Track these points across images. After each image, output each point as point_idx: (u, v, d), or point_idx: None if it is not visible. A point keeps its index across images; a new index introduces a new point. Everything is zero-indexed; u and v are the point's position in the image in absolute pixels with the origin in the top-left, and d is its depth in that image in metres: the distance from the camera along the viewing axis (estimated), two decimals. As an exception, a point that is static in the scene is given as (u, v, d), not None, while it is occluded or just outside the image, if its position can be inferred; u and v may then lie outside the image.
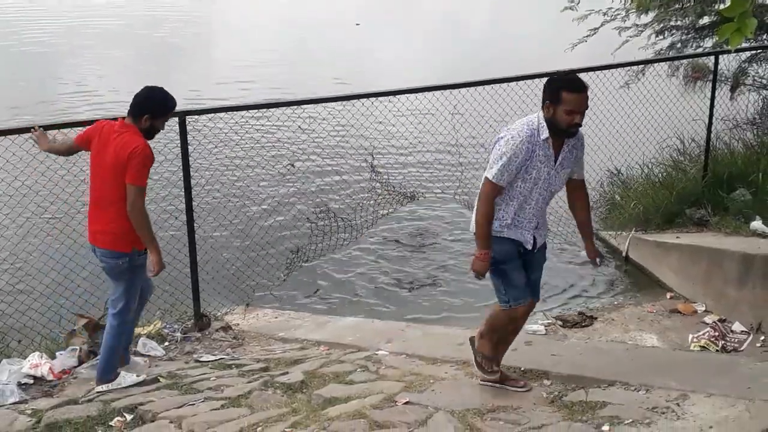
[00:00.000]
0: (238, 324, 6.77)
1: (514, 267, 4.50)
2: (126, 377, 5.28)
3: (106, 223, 5.04)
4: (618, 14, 10.19)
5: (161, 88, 5.18)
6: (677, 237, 7.75)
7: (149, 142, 5.08)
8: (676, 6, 9.79)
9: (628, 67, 9.47)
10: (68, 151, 5.51)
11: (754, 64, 10.12)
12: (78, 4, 36.00)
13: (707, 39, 10.12)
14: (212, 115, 7.75)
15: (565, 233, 8.66)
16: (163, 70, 20.88)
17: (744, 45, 8.58)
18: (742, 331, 6.21)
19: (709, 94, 8.50)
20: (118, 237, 5.01)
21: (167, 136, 6.87)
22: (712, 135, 8.59)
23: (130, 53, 24.29)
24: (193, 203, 6.44)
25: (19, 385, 5.32)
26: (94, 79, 19.56)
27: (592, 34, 10.04)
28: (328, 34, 28.43)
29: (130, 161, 4.88)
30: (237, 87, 17.09)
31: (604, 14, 10.24)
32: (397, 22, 33.17)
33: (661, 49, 10.34)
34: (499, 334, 4.68)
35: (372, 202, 8.17)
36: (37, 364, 5.54)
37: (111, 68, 21.22)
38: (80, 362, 5.70)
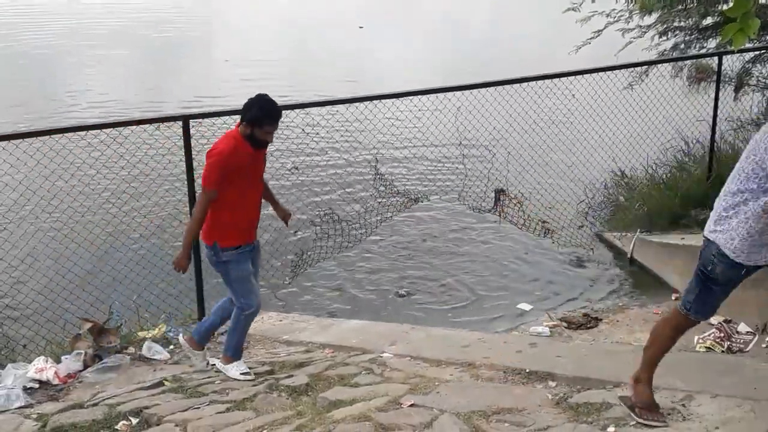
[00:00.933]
0: (243, 327, 6.76)
1: (724, 291, 4.01)
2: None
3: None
4: (621, 15, 10.18)
5: (267, 98, 5.13)
6: (682, 238, 7.73)
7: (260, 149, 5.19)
8: (680, 7, 9.77)
9: (632, 69, 9.47)
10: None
11: (758, 65, 10.10)
12: (82, 5, 36.09)
13: (711, 40, 10.10)
14: (216, 118, 7.75)
15: (570, 234, 8.67)
16: (164, 70, 20.96)
17: (748, 45, 8.56)
18: (748, 332, 6.19)
19: (712, 95, 8.49)
20: (205, 231, 5.22)
21: (171, 140, 6.90)
22: (716, 136, 8.58)
23: (130, 54, 24.35)
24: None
25: (25, 389, 5.33)
26: (94, 79, 19.61)
27: (596, 36, 10.04)
28: (332, 36, 28.47)
29: (206, 162, 5.05)
30: (239, 89, 17.10)
31: (608, 16, 10.23)
32: (399, 23, 33.19)
33: (665, 50, 10.32)
34: (658, 354, 4.16)
35: (376, 205, 8.16)
36: (42, 368, 5.55)
37: (110, 68, 21.27)
38: (85, 366, 5.71)
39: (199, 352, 5.67)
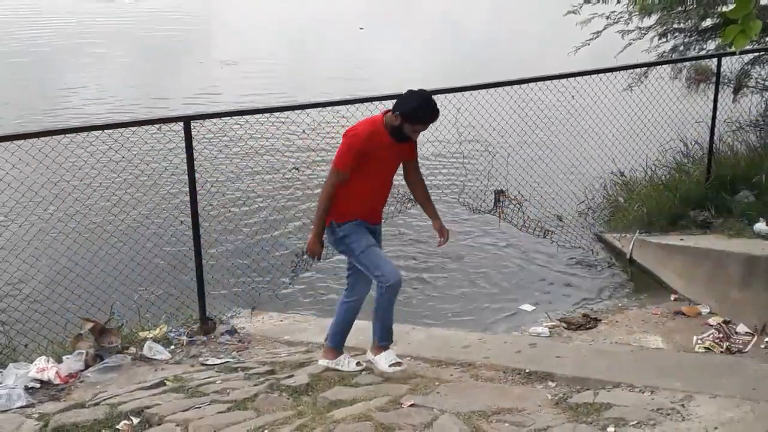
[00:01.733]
0: (244, 327, 6.79)
1: None
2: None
3: None
4: (621, 17, 10.20)
5: (429, 98, 4.97)
6: (681, 239, 7.75)
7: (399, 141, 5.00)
8: (679, 9, 9.79)
9: (631, 70, 9.49)
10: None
11: (757, 66, 10.12)
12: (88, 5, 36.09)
13: (710, 41, 10.12)
14: (217, 119, 7.78)
15: (570, 235, 8.69)
16: (163, 71, 20.96)
17: (747, 47, 8.60)
18: (747, 333, 6.22)
19: (712, 97, 8.51)
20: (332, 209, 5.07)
21: (172, 140, 6.92)
22: (715, 137, 8.60)
23: (129, 53, 24.36)
24: (198, 207, 6.46)
25: (26, 389, 5.34)
26: (94, 78, 19.63)
27: (595, 38, 10.06)
28: (332, 36, 28.47)
29: (342, 141, 4.97)
30: (239, 90, 17.14)
31: (607, 18, 10.25)
32: (399, 23, 33.18)
33: (664, 52, 10.35)
34: None
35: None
36: (43, 368, 5.56)
37: (110, 68, 21.30)
38: (87, 366, 5.73)
39: (342, 357, 5.41)
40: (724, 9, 9.15)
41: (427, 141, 11.31)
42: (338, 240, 5.11)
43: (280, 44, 26.84)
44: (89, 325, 6.02)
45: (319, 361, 5.42)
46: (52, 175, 6.60)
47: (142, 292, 6.90)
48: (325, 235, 5.14)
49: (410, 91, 5.01)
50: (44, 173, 6.72)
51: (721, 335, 6.15)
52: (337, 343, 5.40)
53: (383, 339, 5.31)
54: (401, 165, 5.25)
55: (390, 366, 5.19)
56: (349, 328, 5.43)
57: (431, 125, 5.10)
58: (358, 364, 5.34)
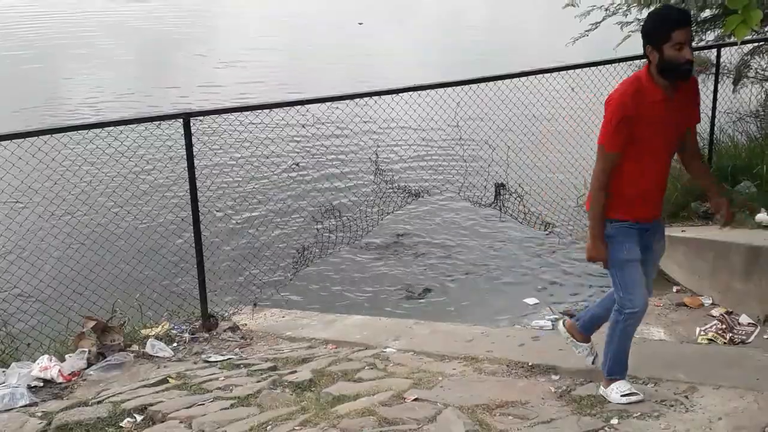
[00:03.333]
0: (246, 324, 6.79)
1: None
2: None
3: None
4: (619, 9, 10.17)
5: (665, 4, 4.10)
6: (683, 230, 7.74)
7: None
8: (678, -1, 9.77)
9: (630, 62, 9.46)
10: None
11: (757, 57, 10.09)
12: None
13: (709, 32, 10.09)
14: (217, 116, 7.76)
15: (571, 228, 8.68)
16: (164, 71, 20.94)
17: (746, 37, 8.58)
18: (750, 324, 6.20)
19: (711, 87, 8.49)
20: (589, 196, 4.23)
21: (172, 137, 6.91)
22: (715, 128, 8.58)
23: (128, 51, 24.35)
24: (199, 204, 6.45)
25: (29, 387, 5.34)
26: (93, 77, 19.63)
27: (594, 29, 10.03)
28: (331, 32, 28.45)
29: (605, 114, 4.05)
30: (240, 87, 17.13)
31: (606, 9, 10.22)
32: (398, 18, 33.16)
33: (664, 43, 10.31)
34: None
35: (377, 200, 8.18)
36: (46, 366, 5.56)
37: (109, 66, 21.30)
38: (89, 364, 5.73)
39: (584, 344, 4.71)
40: (723, -1, 9.12)
41: (427, 138, 11.34)
42: (608, 237, 4.18)
43: (280, 42, 26.82)
44: (91, 324, 6.02)
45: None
46: (53, 173, 6.58)
47: (144, 290, 6.90)
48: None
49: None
50: (44, 172, 6.71)
51: (724, 326, 6.14)
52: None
53: (613, 371, 4.38)
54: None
55: (623, 396, 4.25)
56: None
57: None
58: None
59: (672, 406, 4.18)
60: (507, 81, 7.67)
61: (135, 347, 6.07)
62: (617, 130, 3.96)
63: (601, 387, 4.39)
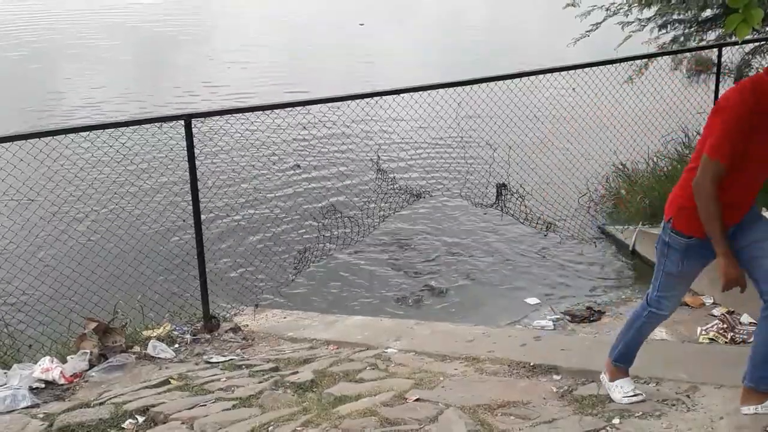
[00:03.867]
0: (248, 325, 6.79)
1: None
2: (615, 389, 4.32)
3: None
4: (620, 9, 10.18)
5: None
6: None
7: None
8: (679, -1, 9.78)
9: (632, 62, 9.47)
10: None
11: (758, 56, 10.09)
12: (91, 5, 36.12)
13: (710, 32, 10.10)
14: (218, 117, 7.77)
15: (572, 228, 8.68)
16: (164, 70, 20.95)
17: (747, 37, 8.58)
18: (751, 323, 6.19)
19: (712, 87, 8.49)
20: (671, 199, 3.98)
21: (173, 138, 6.91)
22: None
23: (128, 51, 24.36)
24: (201, 205, 6.45)
25: (31, 389, 5.34)
26: (93, 77, 19.64)
27: (595, 29, 10.04)
28: (332, 33, 28.46)
29: (714, 121, 3.65)
30: (240, 87, 17.14)
31: (607, 9, 10.23)
32: (399, 19, 33.17)
33: (664, 43, 10.32)
34: None
35: (378, 201, 8.19)
36: (48, 368, 5.56)
37: (109, 67, 21.30)
38: (91, 366, 5.73)
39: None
40: (724, -2, 9.13)
41: (428, 138, 11.34)
42: (662, 241, 4.00)
43: (280, 42, 26.83)
44: (93, 325, 6.03)
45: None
46: (54, 175, 6.59)
47: (146, 291, 6.90)
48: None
49: None
50: (46, 173, 6.71)
51: (725, 326, 6.14)
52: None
53: (619, 359, 4.31)
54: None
55: (624, 397, 4.24)
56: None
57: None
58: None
59: (674, 405, 4.18)
60: (508, 81, 7.67)
61: (137, 348, 6.07)
62: (735, 133, 3.54)
63: (604, 375, 4.35)
